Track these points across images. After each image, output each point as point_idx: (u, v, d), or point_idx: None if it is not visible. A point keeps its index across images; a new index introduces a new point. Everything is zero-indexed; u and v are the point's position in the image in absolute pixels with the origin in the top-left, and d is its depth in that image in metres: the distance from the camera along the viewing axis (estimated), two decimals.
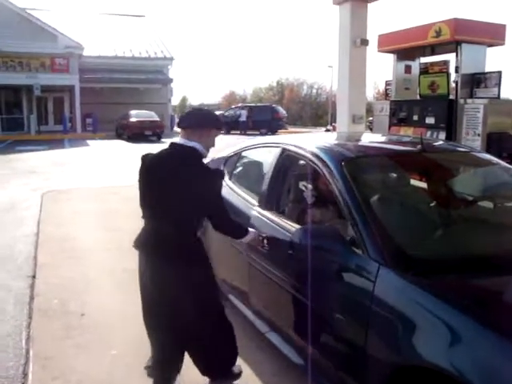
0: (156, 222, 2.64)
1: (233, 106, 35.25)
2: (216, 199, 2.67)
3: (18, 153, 18.24)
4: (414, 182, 3.44)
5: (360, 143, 3.59)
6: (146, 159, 2.68)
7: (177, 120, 3.21)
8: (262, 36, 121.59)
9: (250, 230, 2.95)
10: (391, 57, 7.96)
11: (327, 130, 17.91)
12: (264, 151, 3.71)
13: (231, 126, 30.02)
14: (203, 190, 2.56)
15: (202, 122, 2.66)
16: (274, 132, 29.70)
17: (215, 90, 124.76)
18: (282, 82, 63.00)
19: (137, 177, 2.71)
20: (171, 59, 31.86)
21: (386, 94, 8.45)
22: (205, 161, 2.75)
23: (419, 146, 2.92)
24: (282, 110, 31.66)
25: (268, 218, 3.13)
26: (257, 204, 3.35)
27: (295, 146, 3.14)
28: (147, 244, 2.66)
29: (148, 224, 2.69)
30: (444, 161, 3.28)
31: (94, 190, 9.89)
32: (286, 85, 62.44)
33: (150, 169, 2.64)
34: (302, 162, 3.14)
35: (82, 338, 3.71)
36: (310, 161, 2.89)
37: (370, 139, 4.01)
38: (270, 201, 3.24)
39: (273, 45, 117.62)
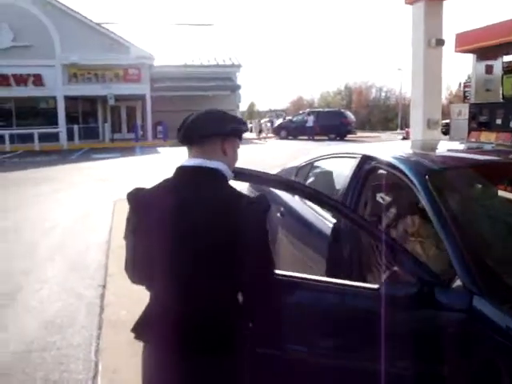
0: (170, 297, 1.71)
1: (300, 112, 35.08)
2: (262, 246, 1.70)
3: (93, 160, 19.01)
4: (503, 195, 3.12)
5: (444, 153, 3.31)
6: (140, 198, 1.76)
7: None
8: (330, 39, 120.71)
9: None
10: (468, 57, 7.51)
11: (404, 138, 17.13)
12: (339, 161, 3.50)
13: (299, 131, 29.90)
14: (244, 233, 1.61)
15: (223, 129, 1.74)
16: (342, 137, 29.27)
17: (283, 96, 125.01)
18: (349, 85, 62.19)
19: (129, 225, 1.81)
20: (239, 66, 32.19)
21: (465, 97, 7.99)
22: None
23: None
24: (350, 115, 31.13)
25: None
26: (332, 218, 3.15)
27: (374, 157, 2.91)
28: (158, 332, 1.71)
29: (156, 299, 1.80)
30: None
31: None
32: (354, 88, 61.54)
33: (152, 212, 1.72)
34: (381, 174, 2.91)
35: None
36: (391, 173, 2.66)
37: (454, 148, 3.70)
38: None
39: (341, 48, 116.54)
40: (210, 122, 1.74)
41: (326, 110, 35.21)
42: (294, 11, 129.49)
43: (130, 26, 34.05)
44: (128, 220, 1.78)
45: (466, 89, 7.83)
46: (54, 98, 27.51)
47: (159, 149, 23.73)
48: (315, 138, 29.09)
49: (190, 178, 1.73)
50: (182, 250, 1.66)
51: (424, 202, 2.28)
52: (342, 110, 32.92)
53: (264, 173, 2.24)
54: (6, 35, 26.15)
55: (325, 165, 3.93)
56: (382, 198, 2.95)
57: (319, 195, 2.20)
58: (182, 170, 1.76)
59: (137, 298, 4.63)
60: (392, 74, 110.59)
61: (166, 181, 1.78)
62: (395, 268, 1.93)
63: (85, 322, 4.20)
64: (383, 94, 61.64)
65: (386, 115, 56.40)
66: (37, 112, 28.41)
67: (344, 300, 1.99)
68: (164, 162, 17.83)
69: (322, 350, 2.00)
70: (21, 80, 26.75)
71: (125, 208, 1.83)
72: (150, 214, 1.71)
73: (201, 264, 1.64)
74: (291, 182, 2.61)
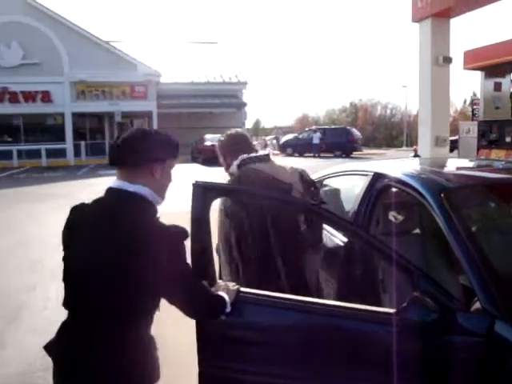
0: (74, 312, 1.73)
1: (306, 129, 35.12)
2: (179, 274, 1.66)
3: (99, 177, 18.99)
4: None
5: (457, 170, 3.24)
6: (74, 214, 1.77)
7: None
8: (335, 57, 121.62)
9: (222, 294, 1.87)
10: (474, 74, 7.47)
11: (415, 156, 16.78)
12: (350, 179, 3.44)
13: (305, 148, 29.89)
14: (153, 265, 1.57)
15: (149, 151, 1.69)
16: (348, 154, 29.18)
17: (288, 113, 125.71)
18: (355, 103, 62.29)
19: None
20: (245, 83, 32.37)
21: (473, 114, 7.95)
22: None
23: None
24: (356, 132, 31.08)
25: None
26: (342, 237, 3.07)
27: (386, 175, 2.85)
28: (60, 351, 1.72)
29: (68, 316, 1.76)
30: None
31: (178, 215, 9.95)
32: (360, 106, 61.65)
33: (73, 229, 1.73)
34: (394, 191, 2.84)
35: None
36: (404, 191, 2.59)
37: (466, 165, 3.63)
38: None
39: (346, 65, 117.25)
40: (155, 143, 1.71)
41: (332, 127, 35.23)
42: (300, 29, 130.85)
43: (137, 43, 34.49)
44: (62, 233, 1.77)
45: (475, 106, 7.82)
46: (62, 115, 27.72)
47: None
48: (321, 155, 29.04)
49: (113, 201, 1.71)
50: (86, 269, 1.64)
51: (439, 220, 2.21)
52: (348, 127, 32.88)
53: (278, 192, 2.20)
54: (16, 53, 26.47)
55: (334, 183, 3.86)
56: (395, 216, 2.88)
57: (336, 219, 2.14)
58: (110, 192, 1.74)
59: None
60: (397, 92, 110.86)
61: (98, 200, 1.76)
62: (415, 293, 1.84)
63: None
64: (388, 112, 61.79)
65: (391, 132, 56.37)
66: (44, 128, 28.65)
67: (359, 326, 1.91)
68: None
69: (334, 380, 1.92)
70: (29, 97, 27.00)
71: None
72: (74, 232, 1.73)
73: (108, 285, 1.60)
74: (306, 203, 2.53)
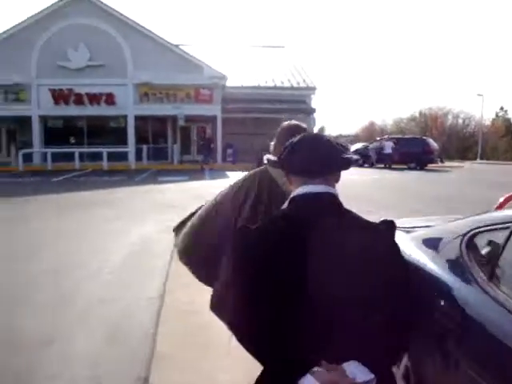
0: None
1: (377, 138, 33.00)
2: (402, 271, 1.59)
3: (159, 183, 18.03)
4: None
5: None
6: (261, 239, 1.53)
7: None
8: (402, 63, 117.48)
9: None
10: None
11: None
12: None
13: (377, 158, 27.93)
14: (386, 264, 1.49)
15: (345, 162, 1.64)
16: (422, 167, 27.00)
17: (353, 121, 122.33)
18: (424, 112, 59.41)
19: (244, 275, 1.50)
20: (314, 89, 30.76)
21: None
22: None
23: None
24: (433, 143, 28.67)
25: None
26: None
27: None
28: None
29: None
30: None
31: None
32: (429, 115, 58.79)
33: (288, 253, 1.48)
34: None
35: None
36: None
37: None
38: None
39: (414, 72, 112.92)
40: (338, 155, 1.62)
41: (406, 136, 32.88)
42: (367, 33, 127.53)
43: (204, 46, 33.74)
44: (253, 267, 1.51)
45: None
46: (125, 117, 27.22)
47: (228, 173, 22.53)
48: (392, 166, 26.98)
49: (327, 208, 1.62)
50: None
51: None
52: (425, 137, 30.51)
53: None
54: (84, 55, 26.25)
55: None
56: None
57: None
58: (318, 199, 1.60)
59: None
60: (471, 100, 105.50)
61: (293, 211, 1.61)
62: None
63: None
64: (460, 121, 58.43)
65: (463, 144, 53.26)
66: (107, 131, 28.27)
67: None
68: None
69: None
70: (94, 99, 26.67)
71: None
72: (295, 253, 1.51)
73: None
74: None
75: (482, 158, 43.70)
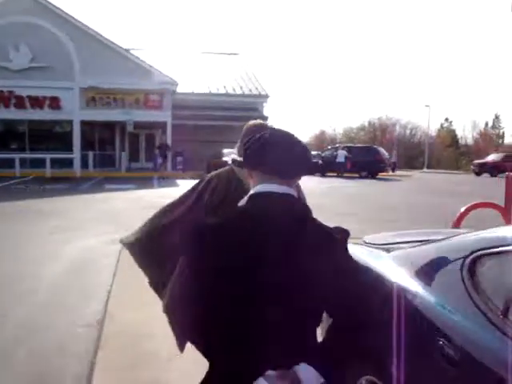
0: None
1: (329, 147, 33.10)
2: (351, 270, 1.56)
3: (106, 192, 17.17)
4: None
5: None
6: (215, 229, 1.49)
7: None
8: (352, 74, 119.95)
9: None
10: None
11: None
12: None
13: (328, 167, 27.83)
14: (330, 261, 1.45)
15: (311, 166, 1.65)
16: (374, 175, 27.21)
17: (304, 129, 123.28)
18: (373, 121, 60.80)
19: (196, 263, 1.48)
20: (266, 96, 30.57)
21: None
22: None
23: None
24: (383, 152, 28.98)
25: None
26: None
27: None
28: None
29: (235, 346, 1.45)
30: None
31: None
32: (379, 125, 60.18)
33: (242, 242, 1.44)
34: None
35: None
36: None
37: None
38: None
39: (364, 83, 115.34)
40: (310, 158, 1.64)
41: (359, 145, 33.15)
42: (318, 43, 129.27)
43: (154, 52, 32.94)
44: (206, 255, 1.51)
45: None
46: (71, 122, 25.95)
47: (178, 181, 21.83)
48: (344, 175, 27.03)
49: (286, 205, 1.59)
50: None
51: None
52: (375, 146, 30.86)
53: None
54: (25, 56, 24.85)
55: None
56: None
57: None
58: (274, 197, 1.57)
59: None
60: (417, 111, 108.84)
61: (253, 206, 1.58)
62: None
63: None
64: (407, 131, 59.95)
65: (410, 153, 54.60)
66: (51, 136, 26.85)
67: None
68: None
69: None
70: (36, 102, 25.32)
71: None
72: (247, 242, 1.52)
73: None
74: None
75: (428, 168, 44.81)
